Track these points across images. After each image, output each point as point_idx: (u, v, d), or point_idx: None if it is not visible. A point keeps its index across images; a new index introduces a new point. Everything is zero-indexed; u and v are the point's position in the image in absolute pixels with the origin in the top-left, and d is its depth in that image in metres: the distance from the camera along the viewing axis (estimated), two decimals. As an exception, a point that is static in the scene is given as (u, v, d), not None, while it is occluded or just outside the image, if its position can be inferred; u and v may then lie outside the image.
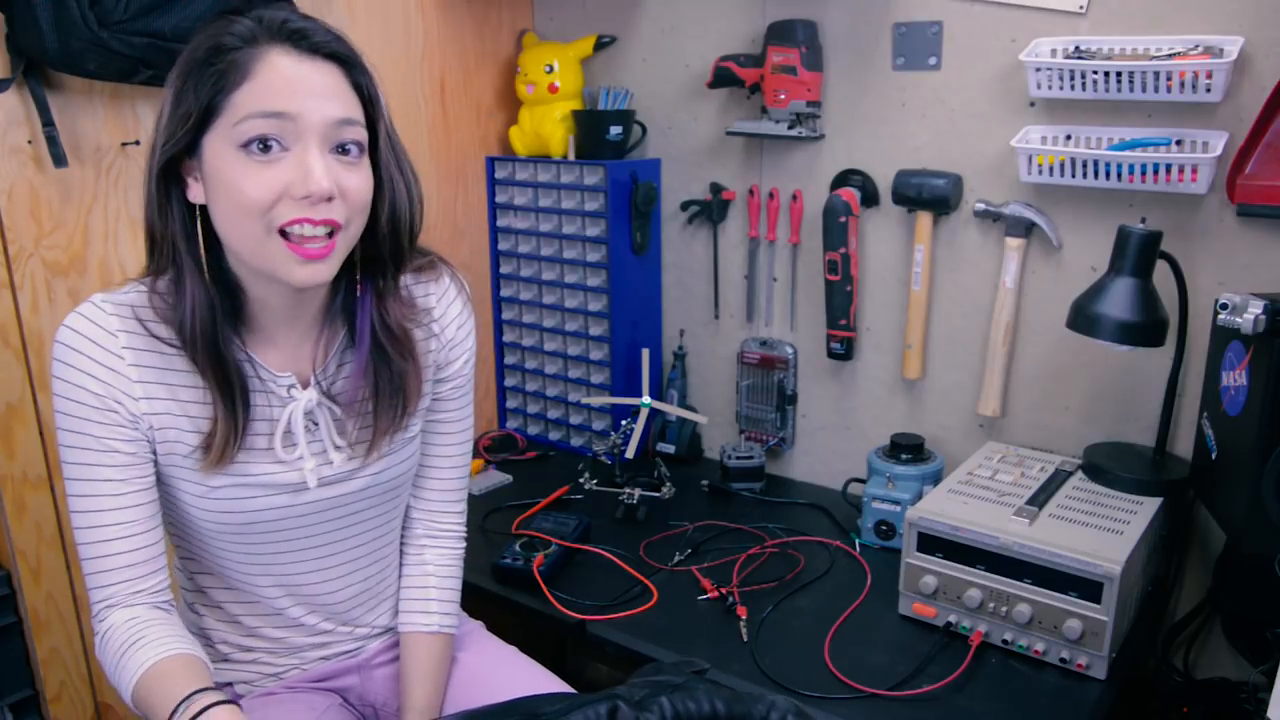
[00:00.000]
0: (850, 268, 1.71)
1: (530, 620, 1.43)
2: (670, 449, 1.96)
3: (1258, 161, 1.32)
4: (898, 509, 1.56)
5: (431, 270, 1.12)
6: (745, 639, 1.33)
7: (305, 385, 1.04)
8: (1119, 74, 1.37)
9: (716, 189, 1.87)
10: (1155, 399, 1.49)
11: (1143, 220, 1.35)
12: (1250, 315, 1.16)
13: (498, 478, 1.87)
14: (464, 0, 1.92)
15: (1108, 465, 1.45)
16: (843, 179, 1.72)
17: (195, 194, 0.94)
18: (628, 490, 1.71)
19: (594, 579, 1.49)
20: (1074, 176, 1.45)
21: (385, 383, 1.05)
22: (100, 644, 0.97)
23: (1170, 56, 1.35)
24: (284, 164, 0.89)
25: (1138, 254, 1.31)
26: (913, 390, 1.75)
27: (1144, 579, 1.38)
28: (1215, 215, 1.41)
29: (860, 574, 1.51)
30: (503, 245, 2.05)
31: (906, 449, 1.61)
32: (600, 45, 1.94)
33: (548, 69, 1.91)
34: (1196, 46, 1.35)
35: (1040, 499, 1.39)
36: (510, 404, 2.15)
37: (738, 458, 1.81)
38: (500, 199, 2.02)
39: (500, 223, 2.04)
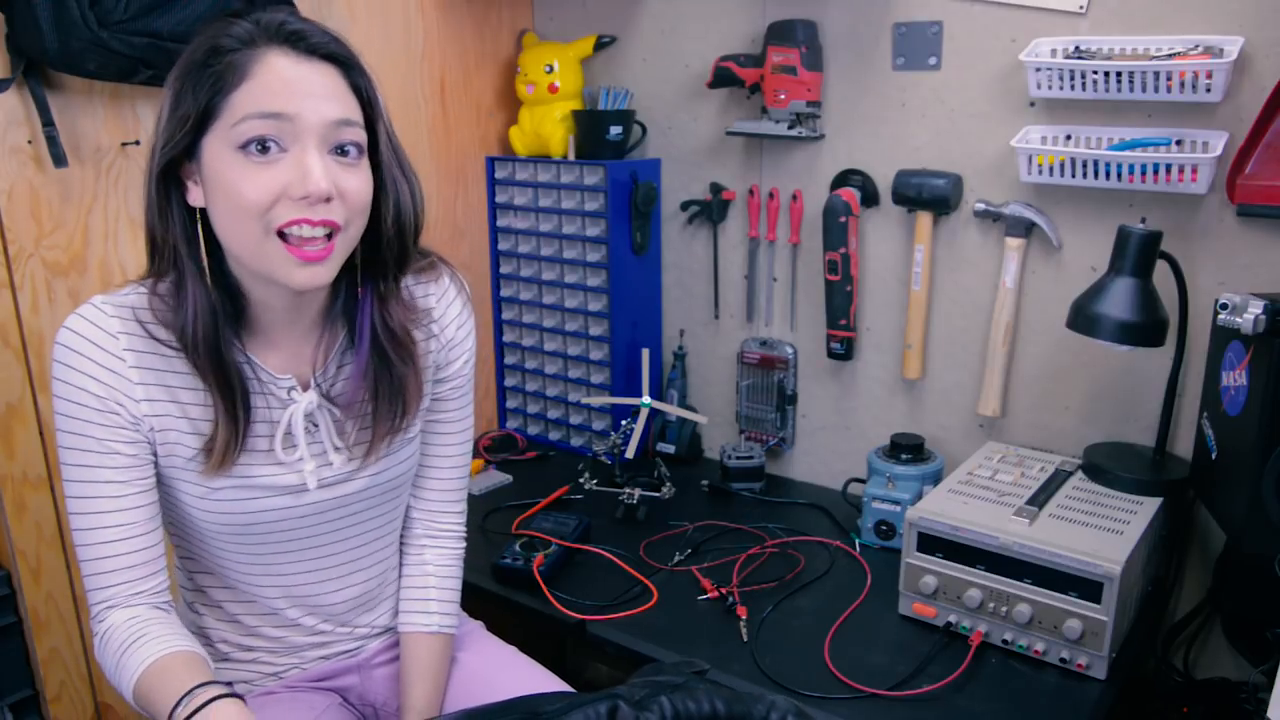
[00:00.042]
0: (850, 268, 1.71)
1: (530, 620, 1.43)
2: (670, 449, 1.96)
3: (1258, 161, 1.32)
4: (898, 509, 1.56)
5: (431, 270, 1.12)
6: (745, 639, 1.33)
7: (305, 387, 1.04)
8: (1119, 74, 1.37)
9: (716, 189, 1.87)
10: (1155, 399, 1.49)
11: (1143, 220, 1.35)
12: (1250, 315, 1.17)
13: (498, 478, 1.87)
14: (464, 0, 1.93)
15: (1108, 465, 1.45)
16: (843, 179, 1.72)
17: (195, 197, 0.94)
18: (628, 490, 1.71)
19: (594, 579, 1.49)
20: (1074, 176, 1.45)
21: (385, 385, 1.05)
22: (100, 644, 0.97)
23: (1170, 56, 1.35)
24: (282, 165, 0.89)
25: (1138, 254, 1.31)
26: (913, 390, 1.75)
27: (1144, 579, 1.38)
28: (1215, 215, 1.41)
29: (860, 574, 1.51)
30: (503, 245, 2.05)
31: (906, 449, 1.61)
32: (600, 45, 1.94)
33: (548, 69, 1.91)
34: (1196, 46, 1.34)
35: (1040, 499, 1.39)
36: (510, 404, 2.15)
37: (738, 458, 1.81)
38: (500, 199, 2.02)
39: (500, 223, 2.04)
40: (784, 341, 1.87)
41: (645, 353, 1.79)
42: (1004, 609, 1.29)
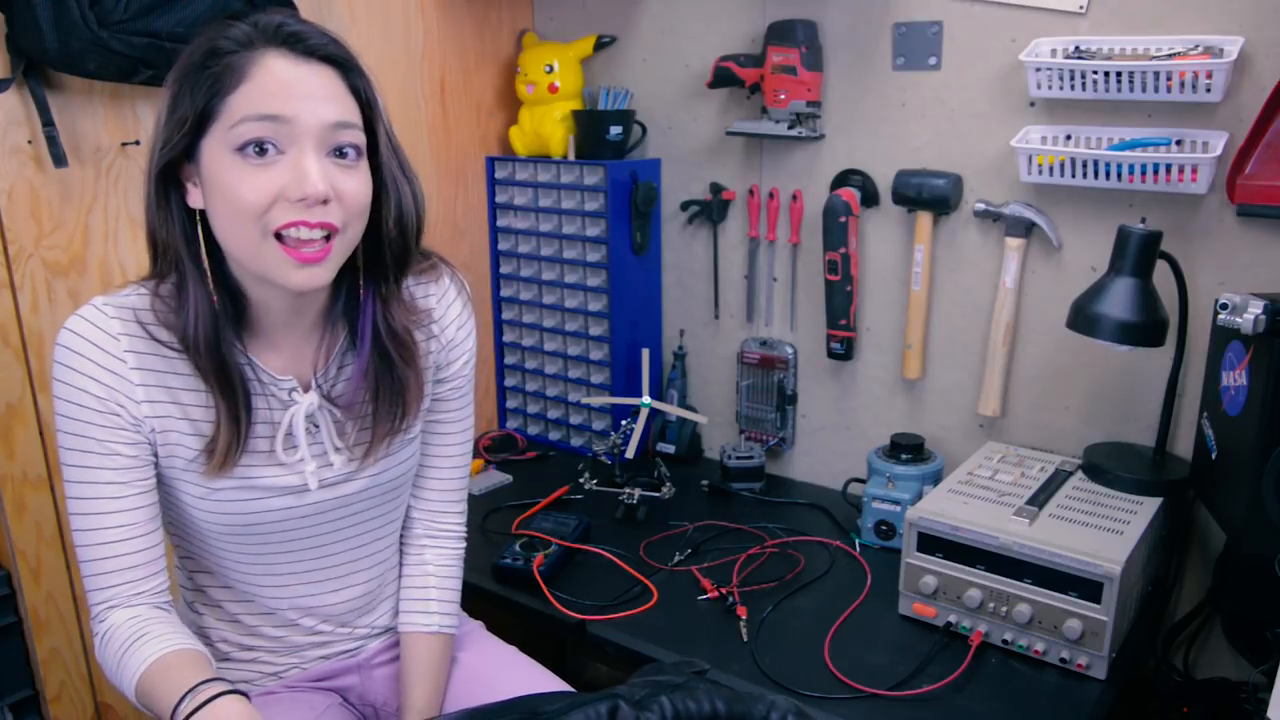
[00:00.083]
0: (850, 268, 1.71)
1: (530, 620, 1.43)
2: (670, 449, 1.96)
3: (1258, 161, 1.32)
4: (898, 509, 1.56)
5: (431, 271, 1.12)
6: (745, 639, 1.33)
7: (306, 388, 1.04)
8: (1119, 74, 1.37)
9: (716, 189, 1.87)
10: (1155, 399, 1.49)
11: (1143, 220, 1.35)
12: (1250, 315, 1.17)
13: (498, 478, 1.88)
14: (464, 0, 1.93)
15: (1108, 465, 1.45)
16: (843, 179, 1.72)
17: (194, 199, 0.94)
18: (628, 490, 1.71)
19: (594, 579, 1.49)
20: (1074, 176, 1.45)
21: (386, 386, 1.05)
22: (100, 644, 0.97)
23: (1170, 56, 1.35)
24: (280, 167, 0.89)
25: (1138, 254, 1.31)
26: (913, 390, 1.75)
27: (1144, 579, 1.38)
28: (1215, 215, 1.41)
29: (860, 574, 1.51)
30: (503, 245, 2.05)
31: (906, 449, 1.61)
32: (600, 45, 1.94)
33: (548, 69, 1.91)
34: (1196, 46, 1.34)
35: (1040, 499, 1.39)
36: (510, 404, 2.15)
37: (738, 458, 1.81)
38: (500, 199, 2.02)
39: (500, 223, 2.04)
40: (784, 341, 1.87)
41: (645, 353, 1.79)
42: (1004, 609, 1.29)
